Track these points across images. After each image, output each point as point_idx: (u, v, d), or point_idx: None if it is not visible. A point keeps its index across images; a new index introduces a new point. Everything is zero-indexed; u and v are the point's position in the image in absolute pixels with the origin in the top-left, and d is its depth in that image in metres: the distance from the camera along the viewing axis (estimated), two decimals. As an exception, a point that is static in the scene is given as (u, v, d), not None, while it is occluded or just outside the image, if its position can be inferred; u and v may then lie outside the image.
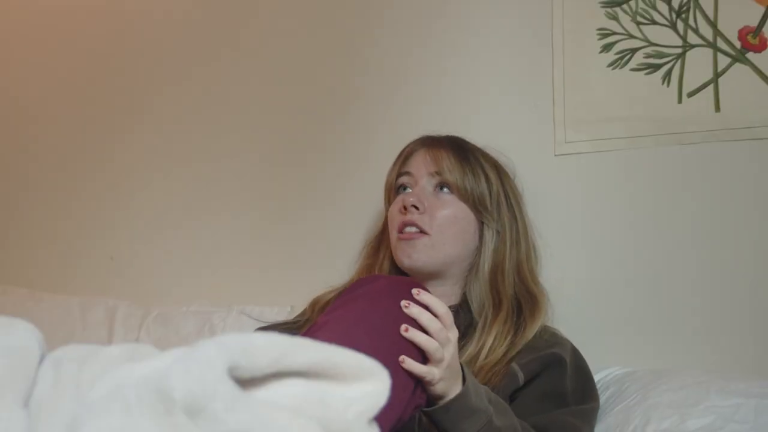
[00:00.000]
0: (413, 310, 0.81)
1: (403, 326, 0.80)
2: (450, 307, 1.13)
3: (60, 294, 1.70)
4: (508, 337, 1.08)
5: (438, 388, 0.83)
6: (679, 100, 1.25)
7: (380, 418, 0.59)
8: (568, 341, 1.11)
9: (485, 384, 0.99)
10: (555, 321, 1.21)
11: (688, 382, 1.00)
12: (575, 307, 1.26)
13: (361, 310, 0.82)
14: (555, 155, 1.33)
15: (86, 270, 1.75)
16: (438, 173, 1.17)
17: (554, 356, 1.05)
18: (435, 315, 0.83)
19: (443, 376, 0.82)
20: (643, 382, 1.05)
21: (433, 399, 0.85)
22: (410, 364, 0.79)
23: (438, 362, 0.81)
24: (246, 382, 0.51)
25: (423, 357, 0.83)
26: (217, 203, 1.64)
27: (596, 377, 1.12)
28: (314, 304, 1.22)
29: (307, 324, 1.18)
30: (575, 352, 1.10)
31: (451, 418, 0.85)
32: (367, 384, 0.55)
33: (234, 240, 1.62)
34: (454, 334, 0.84)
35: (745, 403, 0.90)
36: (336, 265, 1.43)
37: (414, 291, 0.83)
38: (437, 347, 0.81)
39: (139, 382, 0.47)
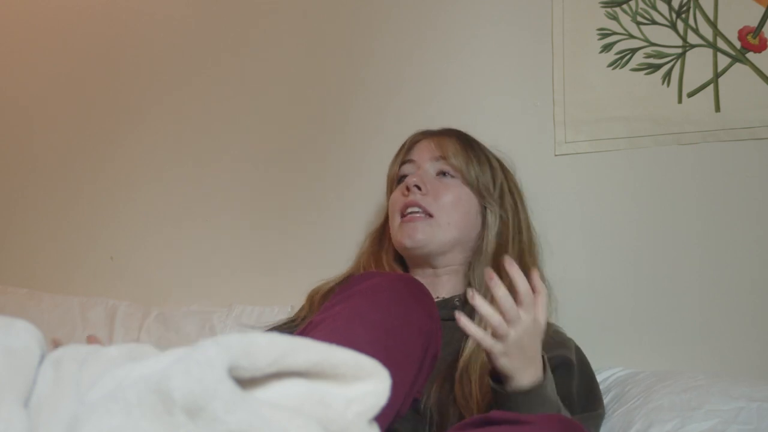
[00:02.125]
0: (492, 283, 0.79)
1: (469, 292, 0.80)
2: (456, 297, 1.13)
3: (60, 294, 1.70)
4: None
5: (500, 364, 0.81)
6: (679, 100, 1.25)
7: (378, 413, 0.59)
8: (571, 340, 1.10)
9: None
10: (556, 321, 1.21)
11: (690, 384, 0.99)
12: (576, 307, 1.26)
13: (358, 307, 0.82)
14: (555, 155, 1.33)
15: (86, 270, 1.75)
16: (443, 157, 1.17)
17: (561, 359, 1.01)
18: (514, 291, 0.81)
19: (507, 351, 0.80)
20: (645, 384, 1.05)
21: (495, 374, 0.84)
22: (466, 323, 0.79)
23: (501, 337, 0.79)
24: (246, 382, 0.51)
25: (424, 353, 0.82)
26: (217, 203, 1.64)
27: (598, 378, 1.12)
28: (312, 297, 1.21)
29: (306, 320, 1.17)
30: (579, 353, 1.08)
31: (527, 403, 0.83)
32: (367, 384, 0.55)
33: (233, 240, 1.62)
34: (528, 316, 0.81)
35: (747, 406, 0.90)
36: (336, 265, 1.43)
37: (507, 260, 0.82)
38: (500, 322, 0.79)
39: (139, 383, 0.47)
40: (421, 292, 0.89)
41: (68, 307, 1.64)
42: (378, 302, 0.82)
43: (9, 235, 1.86)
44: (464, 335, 1.04)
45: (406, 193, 1.15)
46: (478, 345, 1.02)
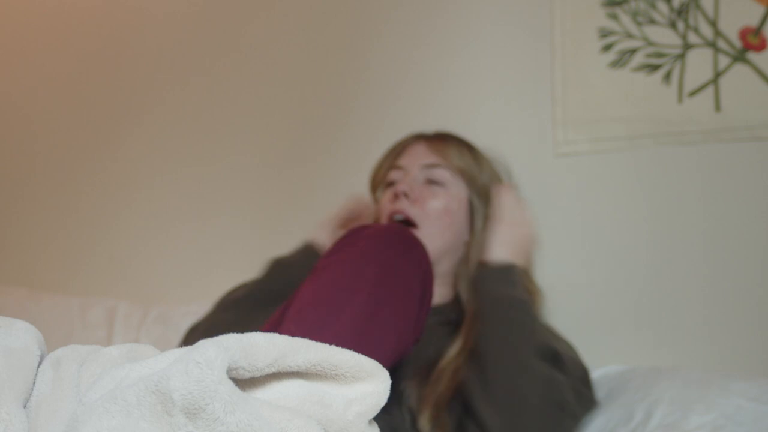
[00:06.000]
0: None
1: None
2: (441, 306, 1.13)
3: (60, 294, 1.70)
4: None
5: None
6: (680, 100, 1.25)
7: (386, 346, 0.62)
8: (565, 339, 1.10)
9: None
10: (555, 320, 1.22)
11: (690, 379, 1.00)
12: (575, 306, 1.26)
13: (362, 249, 0.82)
14: (555, 155, 1.33)
15: (86, 270, 1.75)
16: (436, 165, 1.16)
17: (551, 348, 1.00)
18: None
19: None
20: (644, 378, 1.05)
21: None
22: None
23: None
24: (246, 383, 0.51)
25: (423, 290, 0.83)
26: (217, 203, 1.64)
27: (595, 374, 1.12)
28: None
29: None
30: (572, 349, 1.07)
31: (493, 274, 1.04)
32: (368, 384, 0.55)
33: (234, 240, 1.62)
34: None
35: (745, 403, 0.90)
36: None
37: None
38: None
39: (139, 383, 0.47)
40: (411, 237, 0.90)
41: (68, 307, 1.64)
42: (378, 246, 0.83)
43: (9, 235, 1.86)
44: (447, 340, 1.05)
45: (393, 199, 1.15)
46: (458, 353, 1.03)
